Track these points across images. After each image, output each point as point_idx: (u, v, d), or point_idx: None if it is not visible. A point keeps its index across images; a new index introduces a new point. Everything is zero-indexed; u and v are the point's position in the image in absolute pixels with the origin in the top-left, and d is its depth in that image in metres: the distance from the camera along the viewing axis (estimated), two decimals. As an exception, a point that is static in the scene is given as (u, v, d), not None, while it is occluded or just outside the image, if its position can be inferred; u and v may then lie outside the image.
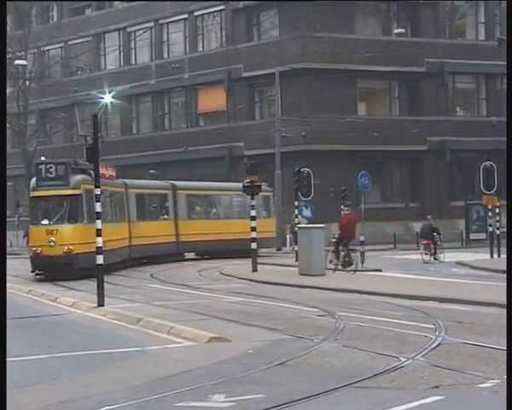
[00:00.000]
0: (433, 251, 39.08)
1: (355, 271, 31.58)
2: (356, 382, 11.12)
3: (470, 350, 13.86)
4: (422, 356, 13.12)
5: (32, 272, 33.23)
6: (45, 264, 32.61)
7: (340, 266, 32.17)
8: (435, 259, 38.72)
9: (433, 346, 14.19)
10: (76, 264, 32.33)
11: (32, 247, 33.00)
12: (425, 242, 39.66)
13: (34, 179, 33.45)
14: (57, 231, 32.37)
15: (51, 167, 32.61)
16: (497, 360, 12.72)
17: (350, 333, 15.94)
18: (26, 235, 44.89)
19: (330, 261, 32.44)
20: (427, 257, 38.70)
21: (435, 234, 39.32)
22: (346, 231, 32.53)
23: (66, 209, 32.94)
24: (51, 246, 31.97)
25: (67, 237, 32.61)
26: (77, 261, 32.17)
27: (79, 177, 33.02)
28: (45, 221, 32.83)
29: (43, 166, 32.96)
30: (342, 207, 37.04)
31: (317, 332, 15.87)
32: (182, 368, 12.52)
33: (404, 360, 12.68)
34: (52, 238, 32.10)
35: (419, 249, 40.28)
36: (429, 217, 41.64)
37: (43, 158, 37.40)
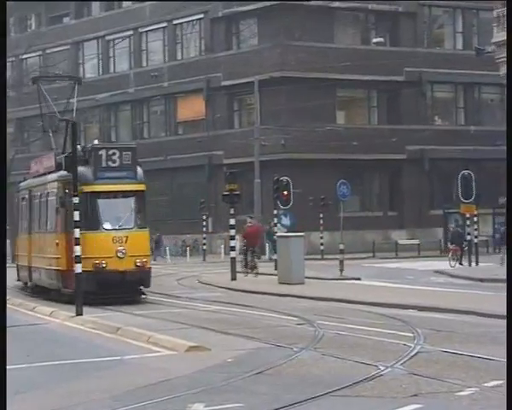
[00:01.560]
0: (459, 257, 40.07)
1: (257, 274, 35.49)
2: (335, 390, 11.13)
3: (449, 358, 13.91)
4: (401, 364, 13.14)
5: (87, 292, 22.70)
6: (110, 282, 24.44)
7: (249, 271, 36.04)
8: (460, 264, 39.61)
9: (411, 354, 14.22)
10: (147, 281, 25.44)
11: (90, 259, 23.66)
12: (454, 248, 40.49)
13: (88, 170, 25.05)
14: (127, 238, 24.66)
15: (114, 154, 25.06)
16: (475, 368, 12.80)
17: (329, 342, 15.96)
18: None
19: (242, 267, 36.09)
20: (453, 262, 39.41)
21: (463, 241, 40.41)
22: (249, 240, 36.44)
23: (133, 210, 25.56)
24: (120, 258, 24.44)
25: (139, 246, 25.22)
26: (147, 278, 25.44)
27: (139, 168, 26.13)
28: (108, 225, 24.98)
29: (103, 152, 25.13)
30: (247, 218, 38.45)
31: (297, 341, 15.88)
32: (161, 377, 12.48)
33: (383, 368, 12.71)
34: (121, 248, 24.46)
35: (397, 257, 40.51)
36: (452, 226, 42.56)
37: (96, 142, 27.57)
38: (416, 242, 54.39)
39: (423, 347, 15.02)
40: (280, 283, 30.80)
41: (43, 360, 14.63)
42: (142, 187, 25.66)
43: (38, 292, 28.61)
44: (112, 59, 66.59)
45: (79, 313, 20.83)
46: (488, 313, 19.75)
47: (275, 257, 36.98)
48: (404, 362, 13.35)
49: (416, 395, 10.68)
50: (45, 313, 22.92)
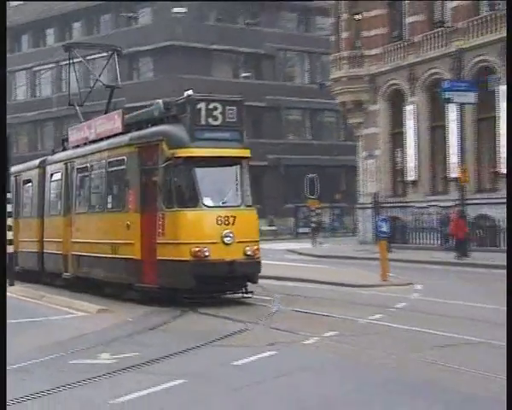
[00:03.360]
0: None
1: None
2: (212, 341, 11.13)
3: (299, 315, 14.00)
4: (263, 321, 13.11)
5: (186, 293, 14.73)
6: (214, 276, 14.68)
7: None
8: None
9: (271, 313, 14.20)
10: (256, 276, 15.28)
11: (186, 245, 14.51)
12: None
13: (181, 129, 15.02)
14: (234, 219, 14.76)
15: (216, 108, 14.94)
16: (320, 322, 12.92)
17: (206, 305, 15.25)
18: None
19: None
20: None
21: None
22: None
23: (239, 182, 15.56)
24: (227, 244, 14.58)
25: (249, 229, 15.23)
26: (257, 271, 15.31)
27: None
28: (209, 201, 14.90)
29: (203, 106, 14.89)
30: None
31: (183, 306, 15.11)
32: (77, 333, 12.24)
33: (248, 324, 12.68)
34: (228, 231, 14.60)
35: (260, 240, 40.40)
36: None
37: (189, 92, 15.84)
38: (274, 228, 54.80)
39: (279, 307, 14.97)
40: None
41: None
42: (248, 153, 15.82)
43: (78, 286, 18.43)
44: (38, 86, 64.89)
45: (11, 284, 18.84)
46: (326, 281, 19.97)
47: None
48: (265, 319, 13.32)
49: (272, 344, 10.72)
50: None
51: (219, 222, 14.62)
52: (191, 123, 14.87)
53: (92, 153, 18.19)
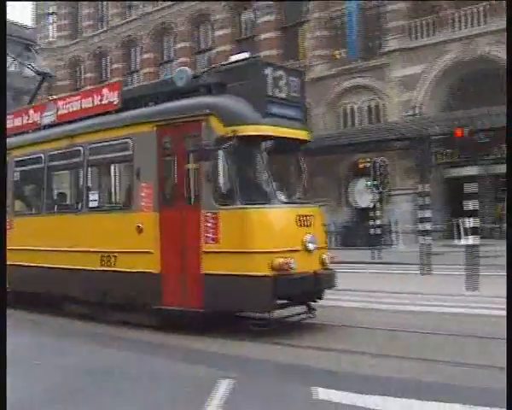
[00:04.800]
0: None
1: None
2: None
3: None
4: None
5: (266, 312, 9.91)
6: (297, 293, 10.18)
7: None
8: None
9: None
10: (330, 287, 10.73)
11: (262, 254, 9.56)
12: None
13: (239, 100, 10.17)
14: (313, 218, 10.44)
15: (281, 78, 10.47)
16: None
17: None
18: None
19: None
20: None
21: None
22: None
23: (303, 172, 11.27)
24: (309, 251, 10.06)
25: (322, 231, 10.96)
26: (334, 282, 10.76)
27: None
28: (282, 196, 10.36)
29: (269, 71, 10.33)
30: None
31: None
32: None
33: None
34: (311, 235, 10.13)
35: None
36: None
37: (245, 55, 10.92)
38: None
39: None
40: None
41: None
42: (306, 136, 11.20)
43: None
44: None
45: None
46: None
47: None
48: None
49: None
50: None
51: (299, 223, 10.19)
52: (257, 93, 10.19)
53: (62, 138, 12.63)
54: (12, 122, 14.24)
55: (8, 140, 12.15)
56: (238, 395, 6.69)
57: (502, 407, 5.46)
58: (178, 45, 42.43)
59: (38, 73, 17.49)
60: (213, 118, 10.09)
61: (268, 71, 10.34)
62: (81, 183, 12.30)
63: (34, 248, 12.84)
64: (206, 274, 9.86)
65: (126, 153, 11.29)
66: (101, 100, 12.12)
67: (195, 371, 7.82)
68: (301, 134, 10.99)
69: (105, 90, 12.19)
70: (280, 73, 10.55)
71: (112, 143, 11.60)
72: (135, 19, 44.84)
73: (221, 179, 9.99)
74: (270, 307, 9.70)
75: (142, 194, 10.88)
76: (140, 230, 10.76)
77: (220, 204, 9.84)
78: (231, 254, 9.68)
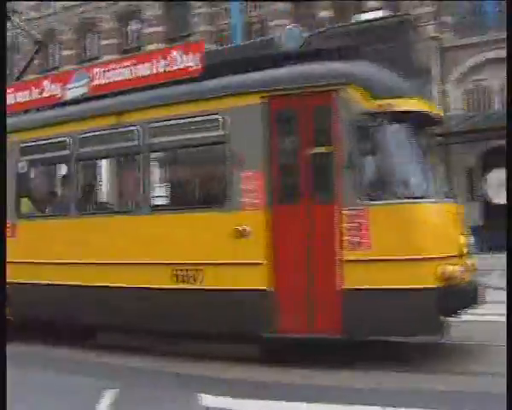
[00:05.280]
0: None
1: None
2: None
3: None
4: None
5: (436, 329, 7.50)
6: (463, 307, 7.77)
7: None
8: None
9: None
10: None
11: (426, 261, 7.33)
12: None
13: (382, 69, 7.91)
14: (460, 219, 8.22)
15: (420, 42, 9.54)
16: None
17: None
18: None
19: None
20: None
21: None
22: None
23: (438, 161, 9.41)
24: (466, 256, 7.97)
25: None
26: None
27: None
28: (442, 189, 8.33)
29: (417, 34, 8.99)
30: None
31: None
32: None
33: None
34: (467, 238, 8.20)
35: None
36: None
37: (380, 13, 9.64)
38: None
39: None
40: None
41: None
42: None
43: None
44: None
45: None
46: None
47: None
48: None
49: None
50: None
51: (455, 223, 8.03)
52: (407, 60, 8.02)
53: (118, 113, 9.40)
54: (14, 98, 10.89)
55: (8, 120, 9.42)
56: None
57: None
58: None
59: (36, 41, 14.13)
60: (353, 88, 7.88)
61: (417, 34, 8.40)
62: (138, 174, 9.17)
63: (43, 261, 9.71)
64: (348, 290, 7.62)
65: (214, 133, 8.59)
66: (168, 65, 9.19)
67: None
68: (441, 113, 8.94)
69: (177, 53, 9.18)
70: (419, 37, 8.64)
71: (188, 120, 8.78)
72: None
73: (369, 167, 7.80)
74: (439, 329, 7.51)
75: (244, 187, 8.30)
76: (241, 234, 8.23)
77: (369, 199, 7.64)
78: (389, 262, 7.46)
